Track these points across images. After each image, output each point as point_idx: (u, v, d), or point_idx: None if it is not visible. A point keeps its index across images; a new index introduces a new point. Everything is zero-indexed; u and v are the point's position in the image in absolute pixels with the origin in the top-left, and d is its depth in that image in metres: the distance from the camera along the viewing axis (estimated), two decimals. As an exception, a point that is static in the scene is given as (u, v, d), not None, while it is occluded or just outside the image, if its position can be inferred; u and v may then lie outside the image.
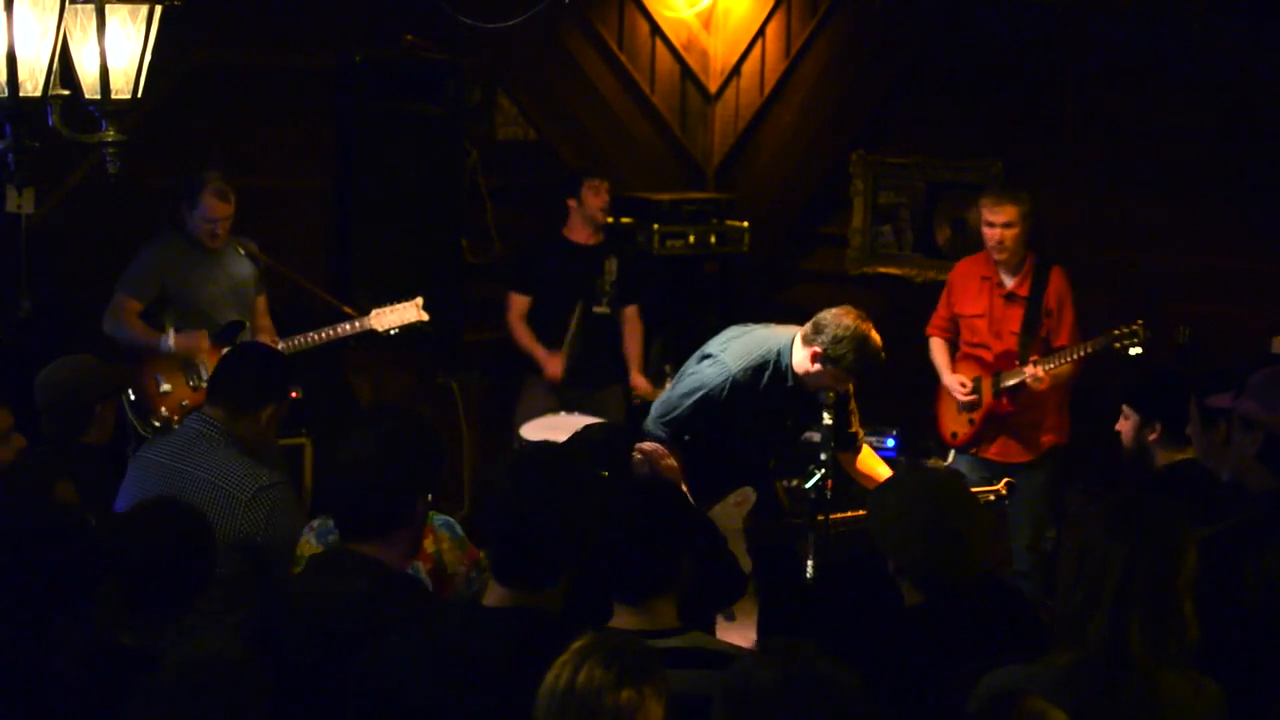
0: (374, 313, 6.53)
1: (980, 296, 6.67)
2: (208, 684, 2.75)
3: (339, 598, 3.39)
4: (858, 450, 5.65)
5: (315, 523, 4.22)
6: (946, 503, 3.49)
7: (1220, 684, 3.04)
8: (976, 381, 6.61)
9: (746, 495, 5.45)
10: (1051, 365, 6.39)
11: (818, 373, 5.28)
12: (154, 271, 6.35)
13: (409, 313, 6.60)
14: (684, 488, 4.41)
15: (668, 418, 5.45)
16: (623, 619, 3.34)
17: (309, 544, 4.14)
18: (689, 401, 5.41)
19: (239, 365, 4.57)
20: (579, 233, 7.42)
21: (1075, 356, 6.37)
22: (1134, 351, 6.17)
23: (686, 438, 5.39)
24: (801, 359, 5.33)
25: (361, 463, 3.44)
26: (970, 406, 6.62)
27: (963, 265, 6.85)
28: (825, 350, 5.22)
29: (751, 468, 5.51)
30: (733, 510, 5.42)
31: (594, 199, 7.38)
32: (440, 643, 3.11)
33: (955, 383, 6.67)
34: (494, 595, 3.13)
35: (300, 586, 3.61)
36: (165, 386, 6.23)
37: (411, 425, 3.57)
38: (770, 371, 5.39)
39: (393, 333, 6.57)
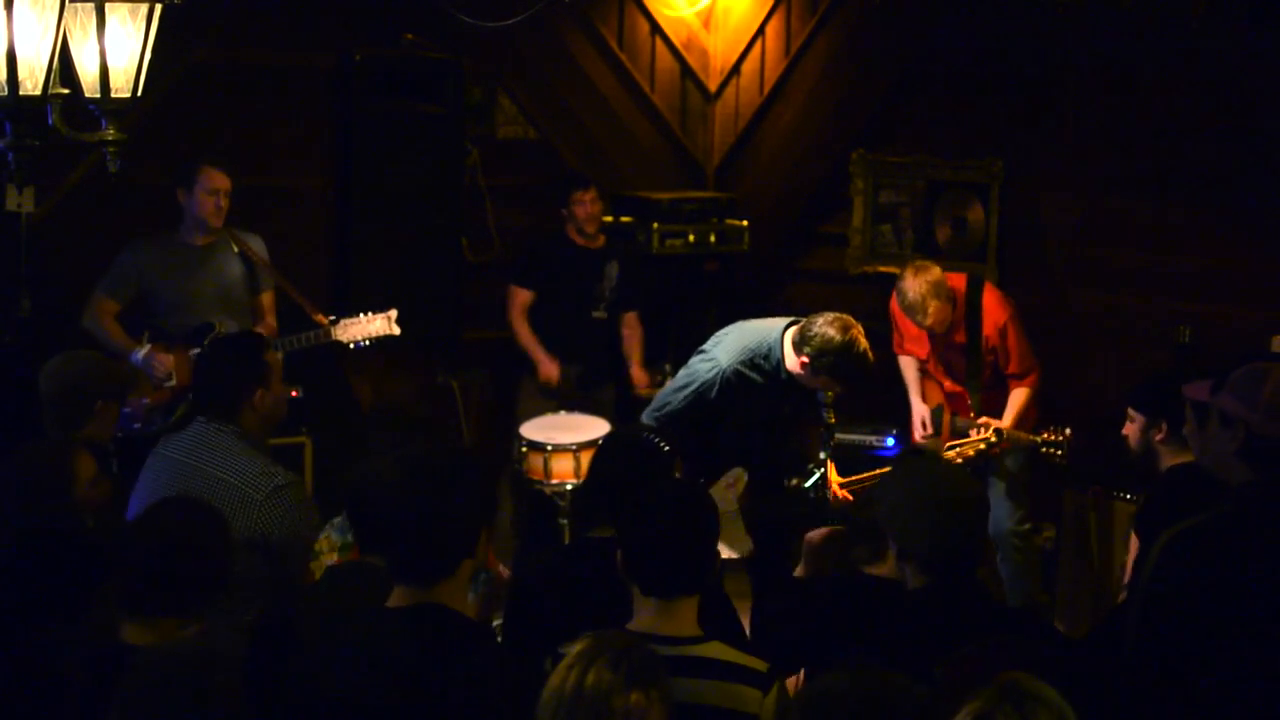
0: (341, 323, 6.37)
1: (921, 340, 6.65)
2: (176, 676, 2.75)
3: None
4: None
5: (337, 520, 4.22)
6: (951, 489, 3.58)
7: (1209, 681, 3.02)
8: (938, 413, 6.63)
9: (738, 476, 5.57)
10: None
11: (808, 377, 5.46)
12: (132, 271, 6.31)
13: (378, 325, 6.41)
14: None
15: (662, 411, 5.60)
16: (644, 619, 3.33)
17: (329, 539, 4.16)
18: (682, 395, 5.57)
19: (209, 367, 4.60)
20: (578, 236, 7.44)
21: (1012, 442, 6.32)
22: (1060, 455, 6.24)
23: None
24: (792, 363, 5.50)
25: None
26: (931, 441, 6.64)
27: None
28: (811, 360, 5.39)
29: (748, 452, 5.61)
30: (725, 492, 5.56)
31: (581, 210, 7.38)
32: (351, 646, 3.11)
33: (918, 421, 6.69)
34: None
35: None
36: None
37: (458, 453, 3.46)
38: (763, 366, 5.54)
39: (364, 344, 6.45)
